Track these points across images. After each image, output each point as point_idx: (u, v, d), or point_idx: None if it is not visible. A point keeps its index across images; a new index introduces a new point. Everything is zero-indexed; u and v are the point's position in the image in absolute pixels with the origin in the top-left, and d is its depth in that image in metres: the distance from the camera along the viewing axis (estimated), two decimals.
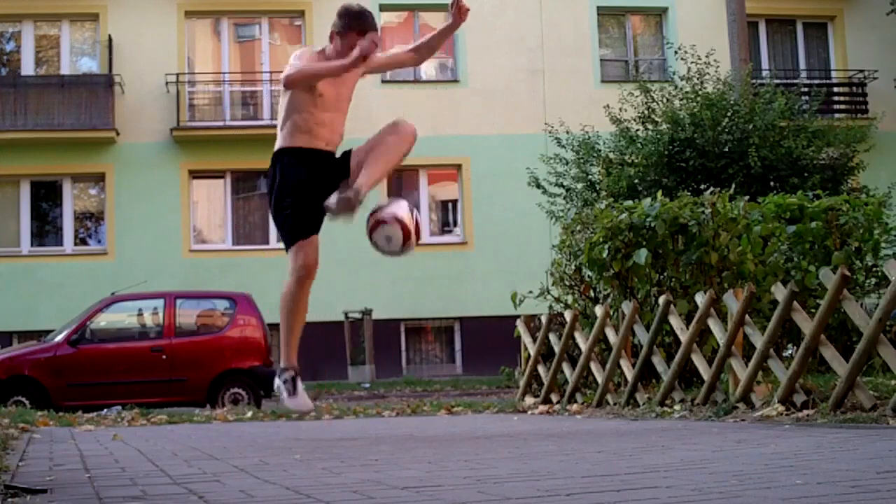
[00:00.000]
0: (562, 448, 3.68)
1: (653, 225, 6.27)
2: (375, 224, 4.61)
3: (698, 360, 5.44)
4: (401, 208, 4.63)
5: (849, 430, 3.81)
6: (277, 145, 4.84)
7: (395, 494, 2.47)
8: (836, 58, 22.09)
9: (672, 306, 5.70)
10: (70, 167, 19.43)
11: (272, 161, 4.84)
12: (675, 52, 15.85)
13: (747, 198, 6.81)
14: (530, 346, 7.11)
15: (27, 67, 20.01)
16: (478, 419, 6.25)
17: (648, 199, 6.55)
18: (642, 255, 6.18)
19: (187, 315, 13.25)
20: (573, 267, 7.03)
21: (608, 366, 6.13)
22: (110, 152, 19.46)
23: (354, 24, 4.75)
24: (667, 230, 6.26)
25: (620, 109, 14.74)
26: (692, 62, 14.65)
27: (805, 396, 4.64)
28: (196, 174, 19.50)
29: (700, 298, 5.45)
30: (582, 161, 14.76)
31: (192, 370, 12.19)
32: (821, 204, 7.18)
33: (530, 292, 7.29)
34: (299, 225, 4.77)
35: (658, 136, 13.94)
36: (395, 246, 4.59)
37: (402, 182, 20.74)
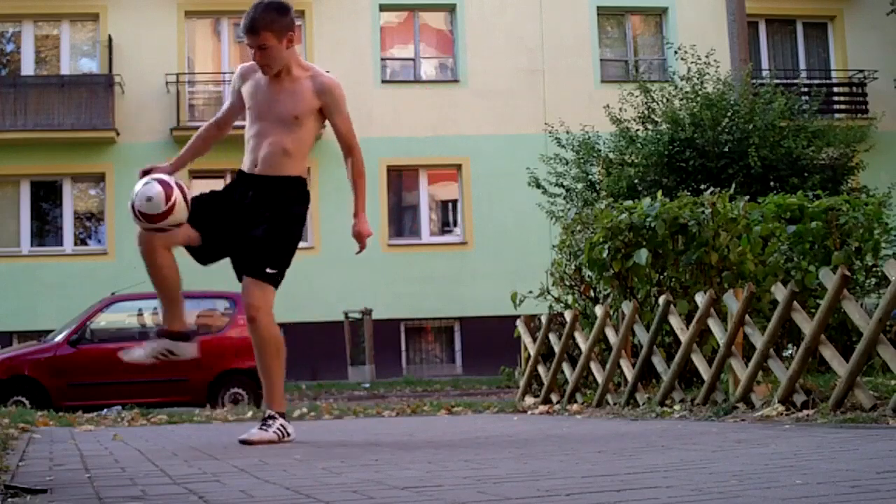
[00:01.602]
0: (562, 448, 3.68)
1: (653, 225, 6.26)
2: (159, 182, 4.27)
3: (698, 360, 5.44)
4: (165, 178, 4.33)
5: (849, 430, 3.81)
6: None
7: (395, 494, 2.47)
8: (836, 58, 22.10)
9: (672, 306, 5.70)
10: (70, 167, 19.44)
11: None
12: (675, 52, 15.86)
13: (747, 198, 6.81)
14: (530, 346, 7.11)
15: (27, 67, 20.02)
16: (478, 419, 6.25)
17: (648, 199, 6.55)
18: (642, 256, 6.17)
19: (187, 315, 13.23)
20: (573, 267, 7.03)
21: (608, 366, 6.13)
22: (110, 152, 19.47)
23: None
24: (667, 230, 6.26)
25: (620, 109, 14.74)
26: (692, 62, 14.65)
27: (805, 396, 4.64)
28: (196, 174, 19.48)
29: (700, 298, 5.45)
30: (582, 161, 14.77)
31: (192, 370, 12.18)
32: (821, 204, 7.18)
33: (530, 292, 7.29)
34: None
35: (658, 136, 13.94)
36: (154, 207, 4.19)
37: (402, 182, 20.75)
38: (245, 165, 4.60)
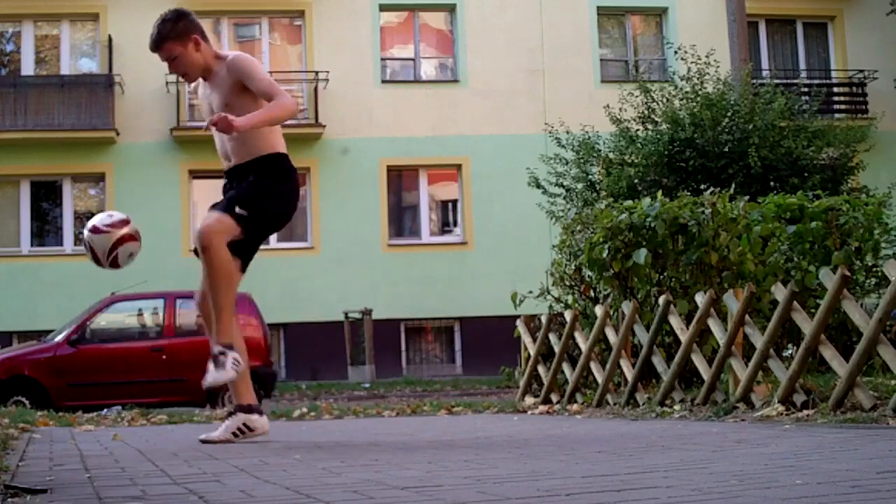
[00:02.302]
0: (562, 448, 3.68)
1: (653, 225, 6.26)
2: (120, 241, 4.43)
3: (698, 360, 5.44)
4: (125, 222, 4.49)
5: (849, 430, 3.81)
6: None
7: (395, 494, 2.47)
8: (836, 58, 22.10)
9: (672, 306, 5.70)
10: (70, 167, 19.44)
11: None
12: (675, 52, 15.85)
13: (747, 198, 6.81)
14: (530, 346, 7.11)
15: (27, 67, 20.02)
16: (478, 419, 6.25)
17: (648, 199, 6.55)
18: (641, 255, 6.18)
19: (187, 315, 13.25)
20: (573, 267, 7.03)
21: (608, 366, 6.13)
22: (110, 152, 19.47)
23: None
24: (667, 230, 6.26)
25: (620, 109, 14.74)
26: (692, 62, 14.65)
27: (805, 396, 4.64)
28: (196, 174, 19.50)
29: (700, 298, 5.45)
30: (582, 161, 14.76)
31: (192, 370, 12.14)
32: (821, 204, 7.18)
33: (530, 292, 7.29)
34: None
35: (658, 136, 13.94)
36: (132, 259, 4.49)
37: (402, 182, 20.75)
38: (223, 164, 4.69)
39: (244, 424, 4.47)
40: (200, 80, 4.67)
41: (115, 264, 4.49)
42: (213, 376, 4.27)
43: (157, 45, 4.55)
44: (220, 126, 4.25)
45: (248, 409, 4.50)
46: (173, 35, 4.53)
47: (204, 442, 4.40)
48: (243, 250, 4.55)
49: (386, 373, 18.45)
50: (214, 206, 4.52)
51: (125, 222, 4.54)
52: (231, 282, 4.39)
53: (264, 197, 4.48)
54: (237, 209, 4.38)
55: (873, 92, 21.32)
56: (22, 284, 18.84)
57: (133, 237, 4.51)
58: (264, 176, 4.52)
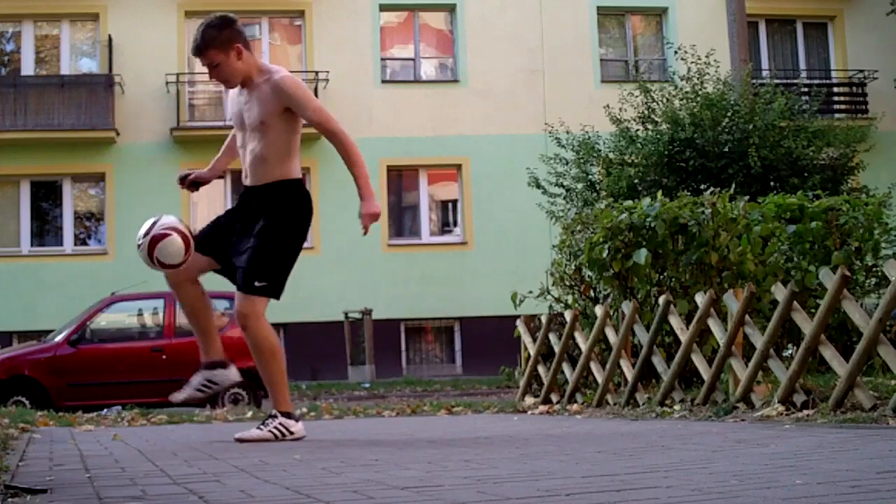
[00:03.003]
0: (562, 448, 3.68)
1: (653, 225, 6.26)
2: (156, 239, 4.40)
3: (698, 360, 5.44)
4: (171, 219, 4.48)
5: (849, 430, 3.81)
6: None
7: (395, 494, 2.47)
8: (836, 58, 22.10)
9: (672, 306, 5.70)
10: (70, 167, 19.44)
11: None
12: (675, 52, 15.85)
13: (747, 198, 6.81)
14: (530, 346, 7.11)
15: (27, 67, 20.02)
16: (478, 419, 6.25)
17: (648, 199, 6.55)
18: (642, 255, 6.18)
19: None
20: (573, 267, 7.03)
21: (608, 366, 6.13)
22: (110, 152, 19.48)
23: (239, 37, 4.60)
24: (667, 230, 6.26)
25: (620, 109, 14.74)
26: (692, 62, 14.65)
27: (805, 396, 4.64)
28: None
29: (700, 298, 5.45)
30: (582, 161, 14.76)
31: (192, 370, 12.12)
32: (821, 204, 7.18)
33: (530, 292, 7.29)
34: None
35: (658, 136, 13.94)
36: (177, 258, 4.41)
37: (402, 182, 20.76)
38: (243, 178, 4.68)
39: (208, 380, 4.68)
40: (234, 89, 4.69)
41: (164, 265, 4.49)
42: (250, 434, 4.45)
43: (200, 51, 4.51)
44: (370, 223, 4.53)
45: (288, 415, 4.61)
46: (217, 43, 4.49)
47: (239, 441, 4.43)
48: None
49: (386, 373, 18.45)
50: (230, 244, 4.57)
51: (147, 234, 4.46)
52: (276, 355, 4.54)
53: (287, 240, 4.52)
54: (256, 284, 4.44)
55: (873, 92, 21.32)
56: (22, 284, 18.84)
57: (161, 237, 4.43)
58: (286, 208, 4.52)
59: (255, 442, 4.37)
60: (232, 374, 4.69)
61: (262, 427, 4.46)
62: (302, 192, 4.61)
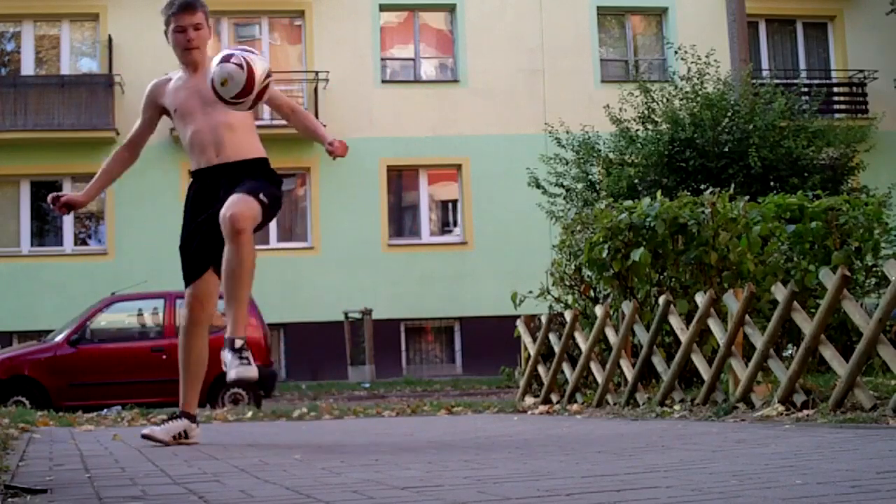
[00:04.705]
0: (562, 448, 3.68)
1: (653, 225, 6.26)
2: (225, 59, 4.09)
3: (698, 360, 5.44)
4: (258, 61, 4.13)
5: (849, 430, 3.81)
6: None
7: (395, 494, 2.47)
8: (836, 58, 22.11)
9: (672, 306, 5.70)
10: (70, 167, 19.43)
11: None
12: (675, 52, 15.85)
13: (747, 198, 6.81)
14: (530, 346, 7.11)
15: (27, 67, 20.02)
16: (478, 419, 6.25)
17: (648, 199, 6.55)
18: (640, 254, 6.17)
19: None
20: (573, 267, 7.03)
21: (608, 366, 6.13)
22: (110, 152, 19.28)
23: (170, 16, 4.49)
24: (667, 230, 6.26)
25: (620, 109, 14.74)
26: (692, 62, 14.65)
27: (805, 396, 4.64)
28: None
29: (700, 298, 5.45)
30: (582, 161, 14.76)
31: None
32: (821, 204, 7.18)
33: (530, 292, 7.29)
34: (184, 267, 4.48)
35: (658, 136, 13.94)
36: (231, 90, 4.06)
37: (402, 182, 20.76)
38: (201, 163, 4.46)
39: (185, 432, 4.40)
40: (184, 72, 4.53)
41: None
42: (240, 371, 4.13)
43: (194, 7, 4.42)
44: (341, 151, 4.34)
45: (193, 419, 4.47)
46: (206, 10, 4.50)
47: (145, 437, 4.33)
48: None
49: (386, 373, 18.45)
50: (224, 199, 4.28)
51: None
52: (252, 277, 4.27)
53: (275, 196, 4.39)
54: (261, 196, 4.24)
55: (873, 92, 21.32)
56: (22, 284, 18.84)
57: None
58: (268, 178, 4.44)
59: (157, 443, 4.25)
60: (199, 433, 4.50)
61: (244, 360, 4.17)
62: (274, 171, 4.52)
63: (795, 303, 4.76)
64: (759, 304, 6.07)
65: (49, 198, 4.61)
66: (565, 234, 7.14)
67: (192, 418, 4.46)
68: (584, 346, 6.36)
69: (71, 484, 2.91)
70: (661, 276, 6.45)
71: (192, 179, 4.58)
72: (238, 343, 4.19)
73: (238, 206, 4.15)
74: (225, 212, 4.15)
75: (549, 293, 7.31)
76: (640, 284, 6.45)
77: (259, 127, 4.77)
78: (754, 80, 15.79)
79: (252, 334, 12.66)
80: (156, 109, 4.66)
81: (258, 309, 13.10)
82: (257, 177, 4.39)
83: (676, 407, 5.44)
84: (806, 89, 17.72)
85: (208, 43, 4.60)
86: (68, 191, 19.63)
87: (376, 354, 18.29)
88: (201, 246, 4.42)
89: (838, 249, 6.90)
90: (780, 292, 4.86)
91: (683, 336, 5.49)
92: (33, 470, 3.35)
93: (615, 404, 6.03)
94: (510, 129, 20.33)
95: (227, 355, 4.18)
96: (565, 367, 6.66)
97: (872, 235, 7.07)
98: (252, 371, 4.15)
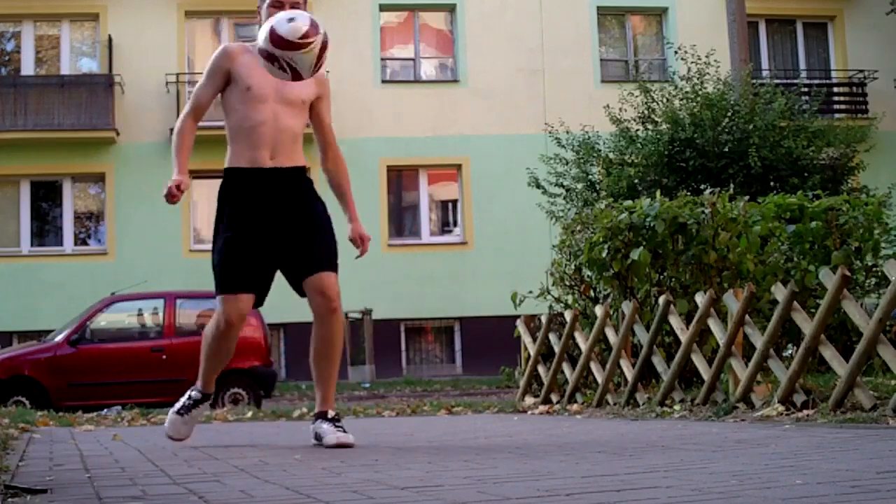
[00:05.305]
0: (562, 448, 3.68)
1: (652, 224, 6.26)
2: (322, 51, 3.99)
3: (698, 360, 5.44)
4: (319, 32, 4.01)
5: (849, 430, 3.81)
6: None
7: (395, 494, 2.47)
8: (836, 58, 22.10)
9: (672, 306, 5.70)
10: (70, 167, 19.44)
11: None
12: (675, 52, 15.86)
13: (747, 198, 6.81)
14: (530, 346, 7.11)
15: (27, 67, 20.02)
16: (478, 419, 6.25)
17: (648, 199, 6.55)
18: (639, 253, 6.17)
19: (187, 315, 13.26)
20: (573, 267, 7.03)
21: (608, 366, 6.13)
22: (110, 152, 19.47)
23: None
24: (666, 230, 6.26)
25: (620, 109, 14.74)
26: (692, 62, 14.65)
27: (805, 396, 4.64)
28: (196, 174, 19.46)
29: (700, 298, 5.45)
30: (582, 161, 14.76)
31: (192, 370, 12.08)
32: (821, 204, 7.18)
33: (530, 292, 7.29)
34: (226, 274, 4.23)
35: (658, 136, 13.94)
36: (297, 29, 3.94)
37: (402, 182, 20.75)
38: (255, 160, 4.20)
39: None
40: (249, 55, 4.25)
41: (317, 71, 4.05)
42: (341, 438, 4.09)
43: None
44: (363, 251, 4.38)
45: (208, 398, 4.62)
46: None
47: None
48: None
49: (386, 373, 18.45)
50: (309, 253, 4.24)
51: (315, 27, 4.06)
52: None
53: (332, 233, 4.38)
54: (336, 263, 4.27)
55: (873, 92, 21.32)
56: (22, 284, 18.84)
57: (325, 44, 4.05)
58: (317, 198, 4.40)
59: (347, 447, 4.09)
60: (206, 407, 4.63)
61: (342, 429, 4.19)
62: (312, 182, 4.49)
63: (795, 303, 4.76)
64: (759, 304, 6.07)
65: (171, 188, 4.03)
66: (565, 234, 7.14)
67: (208, 397, 4.57)
68: (584, 346, 6.36)
69: (71, 484, 2.91)
70: (661, 276, 6.45)
71: (233, 176, 4.24)
72: (331, 414, 4.27)
73: (332, 287, 4.16)
74: (324, 291, 4.15)
75: (549, 293, 7.31)
76: (639, 284, 6.45)
77: None
78: (754, 80, 15.79)
79: (252, 334, 12.68)
80: (223, 77, 4.23)
81: (258, 309, 13.10)
82: (320, 218, 4.32)
83: (676, 407, 5.44)
84: (806, 89, 17.71)
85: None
86: (68, 191, 19.65)
87: (376, 354, 18.29)
88: (250, 260, 4.22)
89: (838, 249, 6.90)
90: (780, 292, 4.86)
91: (683, 336, 5.49)
92: (33, 470, 3.35)
93: (615, 404, 6.03)
94: (510, 129, 20.33)
95: (322, 426, 4.21)
96: (565, 367, 6.66)
97: (872, 235, 7.07)
98: (351, 439, 4.12)
